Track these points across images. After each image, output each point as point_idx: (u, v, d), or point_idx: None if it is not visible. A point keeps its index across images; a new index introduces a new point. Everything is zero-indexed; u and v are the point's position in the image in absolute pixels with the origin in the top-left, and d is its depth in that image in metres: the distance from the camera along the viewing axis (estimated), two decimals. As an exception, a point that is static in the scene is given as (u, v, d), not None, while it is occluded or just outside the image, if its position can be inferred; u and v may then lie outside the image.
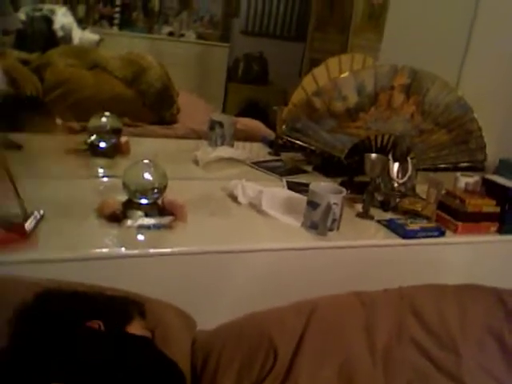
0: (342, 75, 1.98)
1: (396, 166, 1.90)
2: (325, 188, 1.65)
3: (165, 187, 1.54)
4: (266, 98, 5.39)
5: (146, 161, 1.55)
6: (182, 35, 5.22)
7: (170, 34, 5.15)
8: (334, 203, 1.59)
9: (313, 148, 2.06)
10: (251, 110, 5.14)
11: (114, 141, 2.01)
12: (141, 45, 4.76)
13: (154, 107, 2.76)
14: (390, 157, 1.90)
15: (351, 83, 1.94)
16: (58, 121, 2.35)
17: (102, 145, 1.99)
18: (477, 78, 2.19)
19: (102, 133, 2.00)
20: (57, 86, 2.54)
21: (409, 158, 1.92)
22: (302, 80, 2.24)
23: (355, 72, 1.98)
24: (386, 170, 1.89)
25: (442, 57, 2.27)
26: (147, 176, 1.51)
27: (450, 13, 2.48)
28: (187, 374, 1.21)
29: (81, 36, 3.57)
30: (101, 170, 1.95)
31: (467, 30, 2.29)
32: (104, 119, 2.01)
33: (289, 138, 2.06)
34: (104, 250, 1.36)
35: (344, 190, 1.65)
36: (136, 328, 1.15)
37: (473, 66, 2.22)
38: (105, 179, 1.89)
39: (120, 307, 1.16)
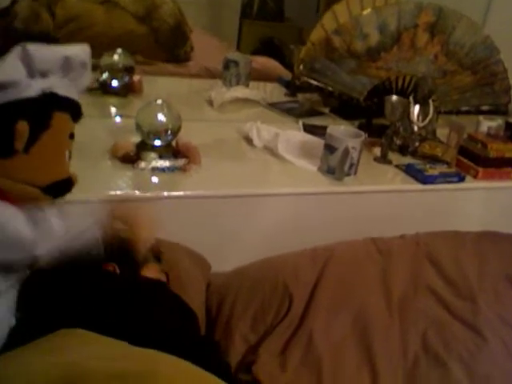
0: (364, 12, 1.89)
1: (417, 108, 1.84)
2: (343, 132, 1.61)
3: (179, 129, 1.50)
4: (281, 36, 5.23)
5: (159, 101, 1.50)
6: (196, -31, 5.02)
7: (184, -33, 4.95)
8: (353, 147, 1.55)
9: (331, 89, 1.99)
10: (266, 48, 5.00)
11: (126, 79, 1.95)
12: (153, -21, 4.59)
13: (166, 44, 2.68)
14: (411, 99, 1.84)
15: (373, 21, 1.86)
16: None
17: (115, 83, 1.94)
18: (504, 18, 2.08)
19: (114, 71, 1.94)
20: (68, 21, 2.47)
21: (430, 101, 1.85)
22: (320, 17, 2.14)
23: (378, 9, 1.89)
24: (407, 113, 1.83)
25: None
26: (161, 117, 1.48)
27: None
28: (202, 316, 1.22)
29: (91, -31, 3.45)
30: (113, 110, 1.91)
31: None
32: (116, 56, 1.95)
33: (306, 79, 1.99)
34: (118, 193, 1.34)
35: (363, 133, 1.60)
36: (150, 271, 1.15)
37: (500, 5, 2.11)
38: (117, 119, 1.85)
39: (135, 250, 1.15)
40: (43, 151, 1.01)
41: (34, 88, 0.98)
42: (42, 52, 1.00)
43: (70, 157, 1.10)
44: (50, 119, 1.01)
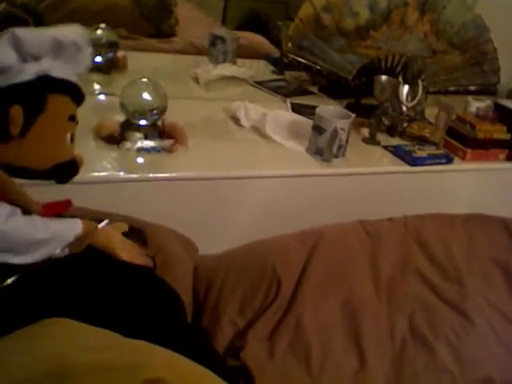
0: (354, -11, 1.86)
1: (406, 88, 1.82)
2: (331, 112, 1.58)
3: (165, 108, 1.47)
4: (267, 10, 5.15)
5: (144, 79, 1.46)
6: None
7: None
8: (341, 128, 1.53)
9: (319, 68, 1.96)
10: (252, 22, 4.92)
11: (110, 55, 1.90)
12: None
13: (151, 17, 2.62)
14: (401, 79, 1.82)
15: (363, -1, 1.82)
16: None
17: (98, 59, 1.88)
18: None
19: (97, 46, 1.88)
20: (50, -6, 2.39)
21: (419, 81, 1.83)
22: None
23: (368, -14, 1.85)
24: (396, 93, 1.81)
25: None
26: (146, 96, 1.44)
27: None
28: (189, 300, 1.20)
29: None
30: (96, 87, 1.85)
31: None
32: (99, 31, 1.89)
33: (294, 57, 1.96)
34: (103, 174, 1.31)
35: (352, 114, 1.58)
36: (136, 256, 1.12)
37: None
38: (101, 97, 1.80)
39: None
40: (40, 135, 0.99)
41: (27, 72, 0.96)
42: (31, 35, 0.97)
43: (72, 139, 1.07)
44: (44, 102, 0.99)
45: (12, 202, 0.99)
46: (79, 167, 1.08)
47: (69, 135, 1.06)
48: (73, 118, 1.06)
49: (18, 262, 0.97)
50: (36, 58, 0.99)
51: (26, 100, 0.97)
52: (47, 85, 1.00)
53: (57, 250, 1.02)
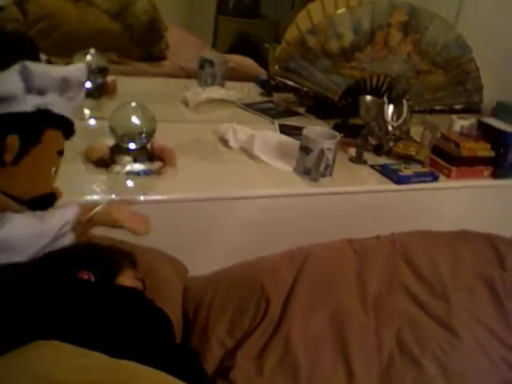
0: (338, 12, 1.90)
1: (391, 108, 1.86)
2: (318, 133, 1.61)
3: (153, 131, 1.49)
4: (257, 32, 5.22)
5: (133, 103, 1.49)
6: (170, -36, 4.97)
7: (158, -38, 4.90)
8: (328, 148, 1.56)
9: (306, 89, 2.00)
10: (242, 44, 4.98)
11: (100, 80, 1.93)
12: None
13: (141, 42, 2.65)
14: (385, 99, 1.85)
15: (347, 20, 1.87)
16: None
17: (88, 85, 1.91)
18: (476, 16, 2.11)
19: (87, 71, 1.91)
20: (40, 19, 2.43)
21: (404, 100, 1.87)
22: (295, 16, 2.14)
23: (352, 8, 1.90)
24: (381, 112, 1.84)
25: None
26: (135, 120, 1.46)
27: None
28: (178, 321, 1.21)
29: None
30: (86, 112, 1.88)
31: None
32: (89, 57, 1.92)
33: (281, 79, 1.99)
34: (92, 197, 1.33)
35: (338, 134, 1.61)
36: (126, 278, 1.13)
37: (472, 4, 2.13)
38: (90, 121, 1.83)
39: (110, 257, 1.14)
40: (31, 165, 1.03)
41: (28, 103, 1.00)
42: (42, 70, 1.02)
43: (56, 172, 1.12)
44: (41, 135, 1.03)
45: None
46: (57, 200, 1.12)
47: (54, 168, 1.11)
48: (61, 153, 1.11)
49: (20, 260, 0.99)
50: (41, 92, 1.04)
51: (23, 130, 1.01)
52: (46, 119, 1.05)
53: (60, 233, 1.05)
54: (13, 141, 0.99)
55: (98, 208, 1.13)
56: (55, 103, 1.05)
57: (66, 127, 1.11)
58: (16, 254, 1.00)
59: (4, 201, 1.04)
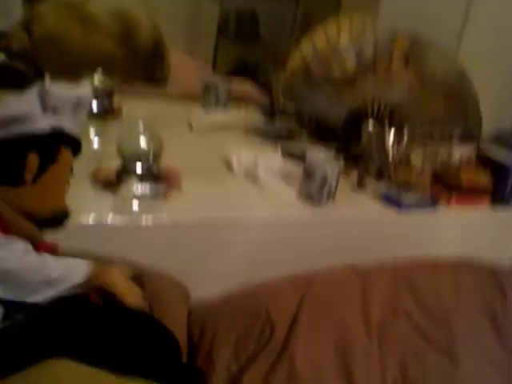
0: (341, 40, 1.94)
1: (392, 134, 1.88)
2: (321, 158, 1.63)
3: (160, 154, 1.51)
4: (256, 56, 5.29)
5: (140, 126, 1.51)
6: (172, -12, 5.05)
7: (160, -14, 4.98)
8: (331, 174, 1.58)
9: (309, 115, 2.03)
10: (242, 68, 5.04)
11: (106, 102, 1.96)
12: (129, -3, 4.59)
13: (145, 65, 2.68)
14: (386, 125, 1.88)
15: (350, 48, 1.90)
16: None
17: (94, 106, 1.94)
18: (476, 47, 2.15)
19: (94, 93, 1.94)
20: (45, 40, 2.45)
21: (405, 127, 1.90)
22: (295, 40, 2.18)
23: (354, 37, 1.94)
24: (382, 139, 1.87)
25: (441, 23, 2.21)
26: (142, 142, 1.48)
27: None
28: (183, 344, 1.22)
29: (68, -13, 3.44)
30: (92, 133, 1.91)
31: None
32: (96, 80, 1.95)
33: (285, 104, 2.03)
34: (98, 218, 1.34)
35: (341, 161, 1.63)
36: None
37: (472, 35, 2.18)
38: (97, 143, 1.85)
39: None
40: (48, 183, 1.07)
41: (44, 123, 1.04)
42: (58, 92, 1.07)
43: (68, 190, 1.15)
44: (57, 154, 1.07)
45: (22, 235, 1.03)
46: (68, 217, 1.15)
47: (67, 186, 1.14)
48: (72, 170, 1.15)
49: (34, 301, 1.00)
50: (55, 112, 1.07)
51: (42, 149, 1.04)
52: (61, 138, 1.09)
53: (67, 289, 1.05)
54: (33, 159, 1.02)
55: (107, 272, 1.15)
56: (66, 122, 1.09)
57: (75, 145, 1.14)
58: (30, 295, 1.01)
59: (26, 226, 1.06)
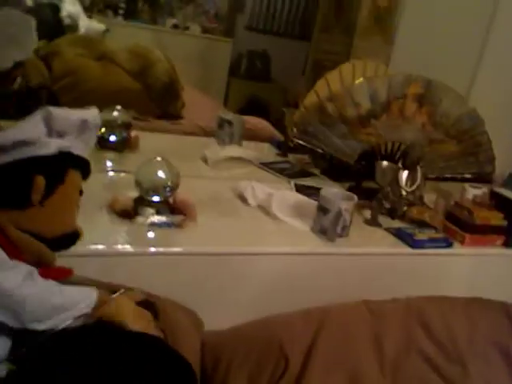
0: (356, 82, 1.98)
1: (405, 174, 1.90)
2: (336, 194, 1.65)
3: (177, 186, 1.54)
4: (267, 96, 5.39)
5: (159, 158, 1.54)
6: (187, 28, 5.19)
7: (175, 26, 5.12)
8: (345, 210, 1.59)
9: (322, 152, 2.06)
10: (252, 106, 5.13)
11: (124, 135, 2.00)
12: (145, 36, 4.72)
13: (159, 101, 2.74)
14: (400, 165, 1.90)
15: (365, 90, 1.94)
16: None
17: (112, 138, 1.98)
18: (488, 91, 2.20)
19: (113, 126, 1.98)
20: (65, 75, 2.52)
21: (418, 167, 1.92)
22: (306, 80, 2.23)
23: (369, 79, 1.98)
24: (396, 178, 1.89)
25: (453, 67, 2.27)
26: (161, 174, 1.51)
27: (464, 24, 2.48)
28: (197, 374, 1.21)
29: (87, 25, 3.55)
30: (110, 164, 1.94)
31: (481, 43, 2.29)
32: (116, 113, 2.00)
33: (299, 141, 2.06)
34: (115, 247, 1.35)
35: (355, 196, 1.65)
36: (149, 328, 1.14)
37: (484, 79, 2.23)
38: (114, 174, 1.87)
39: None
40: (56, 205, 1.08)
41: (51, 146, 1.06)
42: (63, 115, 1.10)
43: (77, 211, 1.14)
44: (64, 175, 1.09)
45: (33, 257, 1.04)
46: (79, 238, 1.17)
47: (77, 207, 1.16)
48: (81, 192, 1.17)
49: (36, 328, 0.99)
50: (60, 135, 1.09)
51: (49, 171, 1.06)
52: (68, 160, 1.11)
53: (70, 320, 1.05)
54: (40, 181, 1.04)
55: (111, 301, 1.14)
56: (73, 145, 1.11)
57: (84, 168, 1.17)
58: (31, 322, 1.00)
59: (37, 247, 1.06)
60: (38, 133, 1.06)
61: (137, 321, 1.11)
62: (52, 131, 1.09)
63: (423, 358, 1.40)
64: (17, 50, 2.18)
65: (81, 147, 1.14)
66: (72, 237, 1.14)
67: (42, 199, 1.05)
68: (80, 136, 1.14)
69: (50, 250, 1.09)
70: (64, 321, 1.04)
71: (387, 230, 1.77)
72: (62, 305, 1.04)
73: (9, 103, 2.12)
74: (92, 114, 1.18)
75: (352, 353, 1.34)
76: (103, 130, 1.97)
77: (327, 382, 1.24)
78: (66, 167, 1.10)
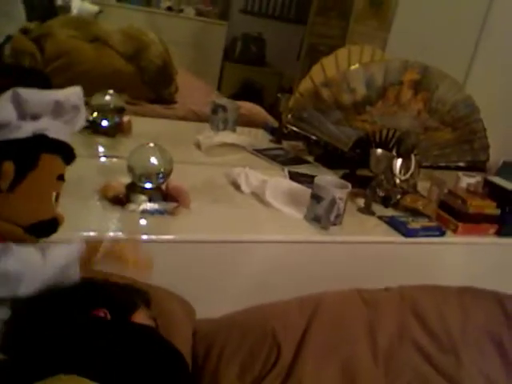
0: (352, 67, 1.96)
1: (399, 162, 1.89)
2: (330, 182, 1.64)
3: (170, 172, 1.52)
4: (261, 80, 5.35)
5: (151, 144, 1.52)
6: (181, 10, 5.13)
7: (169, 8, 5.06)
8: (339, 198, 1.58)
9: (317, 139, 2.04)
10: (247, 91, 5.10)
11: (117, 120, 1.97)
12: (138, 18, 4.67)
13: (153, 84, 2.71)
14: (394, 153, 1.89)
15: (360, 76, 1.92)
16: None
17: (104, 123, 1.95)
18: (484, 78, 2.18)
19: (105, 111, 1.95)
20: (57, 57, 2.48)
21: (412, 155, 1.91)
22: (301, 65, 2.21)
23: (365, 65, 1.96)
24: (390, 166, 1.87)
25: (450, 54, 2.25)
26: (153, 160, 1.49)
27: (461, 10, 2.46)
28: (189, 363, 1.21)
29: (80, 6, 3.50)
30: (102, 149, 1.91)
31: (478, 30, 2.27)
32: (108, 97, 1.97)
33: (294, 127, 2.04)
34: (106, 234, 1.33)
35: (349, 185, 1.64)
36: (141, 317, 1.13)
37: (481, 66, 2.21)
38: (106, 159, 1.85)
39: (125, 296, 1.15)
40: (28, 191, 1.03)
41: (24, 130, 1.02)
42: (34, 96, 1.04)
43: (57, 198, 1.11)
44: (37, 160, 1.04)
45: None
46: (59, 226, 1.10)
47: (55, 194, 1.10)
48: (61, 177, 1.11)
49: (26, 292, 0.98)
50: (35, 118, 1.05)
51: (19, 156, 1.01)
52: (42, 144, 1.06)
53: (65, 270, 1.05)
54: (8, 167, 0.99)
55: (104, 245, 1.13)
56: (50, 127, 1.06)
57: (65, 152, 1.11)
58: (19, 288, 0.99)
59: (9, 228, 1.03)
60: (6, 115, 1.01)
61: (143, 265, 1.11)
62: (25, 114, 1.04)
63: (416, 349, 1.40)
64: (7, 23, 2.13)
65: (59, 130, 1.08)
66: (50, 224, 1.08)
67: (11, 185, 1.00)
68: (58, 118, 1.09)
69: (28, 236, 1.05)
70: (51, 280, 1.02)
71: (380, 218, 1.76)
72: (47, 267, 1.03)
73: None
74: (69, 93, 1.11)
75: (346, 342, 1.34)
76: (95, 114, 1.95)
77: (320, 370, 1.24)
78: (38, 151, 1.05)
